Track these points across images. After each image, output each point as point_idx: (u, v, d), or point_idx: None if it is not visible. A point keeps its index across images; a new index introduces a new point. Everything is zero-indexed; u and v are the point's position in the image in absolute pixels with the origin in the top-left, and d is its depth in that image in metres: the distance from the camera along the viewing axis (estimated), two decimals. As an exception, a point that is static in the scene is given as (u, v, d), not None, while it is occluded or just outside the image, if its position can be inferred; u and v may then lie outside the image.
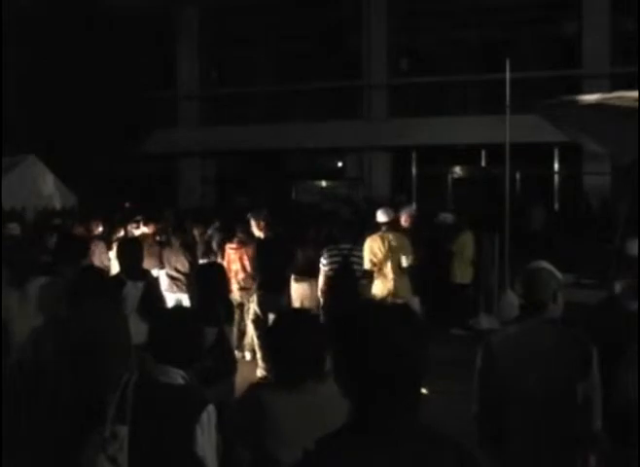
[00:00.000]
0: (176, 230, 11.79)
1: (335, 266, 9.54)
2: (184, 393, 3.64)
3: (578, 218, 15.32)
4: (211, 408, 3.56)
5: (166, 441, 3.54)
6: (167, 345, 3.72)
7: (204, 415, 3.52)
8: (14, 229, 10.84)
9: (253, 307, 9.95)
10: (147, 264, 8.35)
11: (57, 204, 15.88)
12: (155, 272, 10.31)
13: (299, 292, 10.27)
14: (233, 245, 10.52)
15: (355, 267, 9.60)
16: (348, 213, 16.66)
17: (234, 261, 10.35)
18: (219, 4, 21.55)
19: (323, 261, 9.55)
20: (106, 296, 6.17)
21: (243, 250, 10.41)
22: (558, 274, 4.12)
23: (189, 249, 10.99)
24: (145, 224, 12.43)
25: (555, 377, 3.91)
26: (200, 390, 3.82)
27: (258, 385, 3.81)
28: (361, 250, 9.76)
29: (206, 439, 3.52)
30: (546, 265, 4.17)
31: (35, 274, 6.40)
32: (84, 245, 8.77)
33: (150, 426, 3.57)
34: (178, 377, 3.64)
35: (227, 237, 11.04)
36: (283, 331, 3.50)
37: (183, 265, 10.67)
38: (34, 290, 6.26)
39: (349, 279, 9.59)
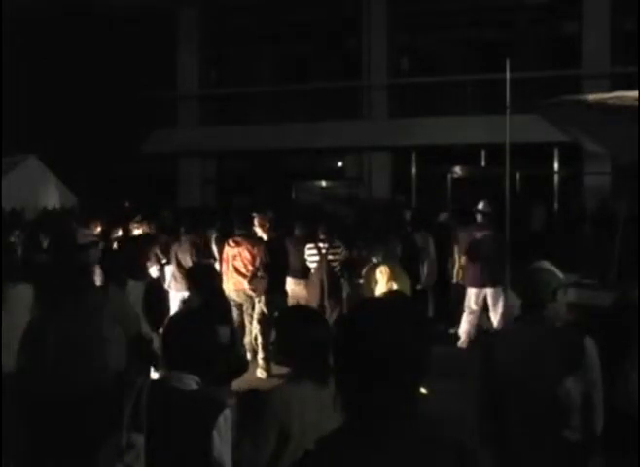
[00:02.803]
0: (188, 229, 11.79)
1: (312, 264, 9.96)
2: (199, 399, 3.61)
3: (577, 218, 15.30)
4: (227, 411, 3.53)
5: (183, 447, 3.51)
6: (182, 351, 3.69)
7: (221, 420, 3.49)
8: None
9: (260, 307, 10.07)
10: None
11: (57, 204, 15.88)
12: (154, 272, 10.36)
13: (294, 292, 10.41)
14: (231, 245, 10.55)
15: (333, 264, 9.98)
16: (347, 213, 16.70)
17: (231, 260, 10.38)
18: (219, 4, 21.54)
19: (305, 257, 10.00)
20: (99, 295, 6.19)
21: (239, 250, 10.43)
22: (559, 274, 4.13)
23: (197, 248, 11.02)
24: (139, 224, 12.47)
25: (555, 377, 3.91)
26: (216, 394, 3.78)
27: (282, 383, 3.76)
28: (339, 247, 10.15)
29: (224, 443, 3.50)
30: (547, 265, 4.19)
31: (12, 280, 6.37)
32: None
33: (166, 434, 3.54)
34: (192, 382, 3.60)
35: (225, 237, 11.07)
36: (298, 327, 3.51)
37: (189, 263, 10.73)
38: (14, 294, 6.25)
39: (330, 277, 9.93)
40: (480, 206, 11.50)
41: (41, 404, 5.37)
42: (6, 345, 6.00)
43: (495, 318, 11.10)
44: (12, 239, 10.20)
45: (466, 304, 11.32)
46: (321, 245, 10.13)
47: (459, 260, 11.63)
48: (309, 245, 10.20)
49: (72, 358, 5.46)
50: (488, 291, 11.12)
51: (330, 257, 10.09)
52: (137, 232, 12.34)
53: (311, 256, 10.17)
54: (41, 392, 5.40)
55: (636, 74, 13.56)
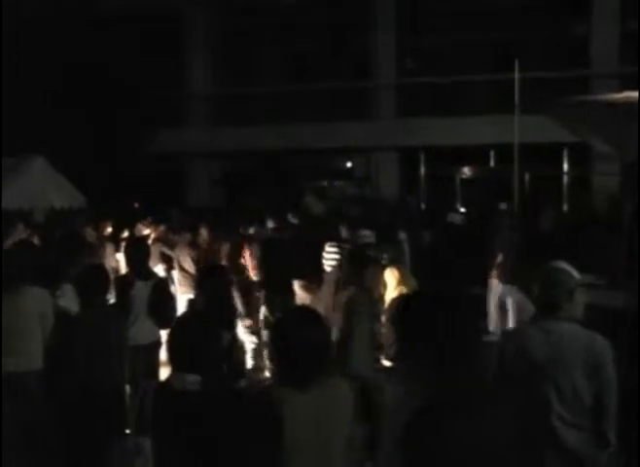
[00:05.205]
0: (184, 229, 11.78)
1: (331, 262, 9.83)
2: (201, 400, 3.60)
3: (586, 219, 15.24)
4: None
5: (187, 449, 3.50)
6: (184, 353, 3.67)
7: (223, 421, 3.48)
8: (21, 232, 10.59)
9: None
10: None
11: (65, 205, 15.87)
12: (160, 272, 10.34)
13: (302, 295, 10.34)
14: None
15: None
16: (358, 213, 16.69)
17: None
18: (228, 4, 21.55)
19: (323, 255, 9.88)
20: (107, 294, 6.17)
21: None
22: (575, 274, 4.11)
23: (197, 249, 10.98)
24: (147, 226, 12.47)
25: (569, 378, 3.89)
26: (218, 396, 3.76)
27: (268, 386, 3.75)
28: None
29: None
30: (562, 265, 4.17)
31: (29, 283, 6.33)
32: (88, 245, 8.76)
33: (169, 435, 3.54)
34: (195, 384, 3.60)
35: (229, 238, 11.08)
36: (288, 330, 3.47)
37: (190, 265, 10.68)
38: (28, 298, 6.22)
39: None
40: (504, 207, 11.53)
41: (65, 400, 5.39)
42: (16, 347, 6.01)
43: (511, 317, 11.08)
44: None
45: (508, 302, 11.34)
46: (345, 245, 10.01)
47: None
48: (331, 243, 10.05)
49: (95, 359, 5.48)
50: (510, 288, 11.13)
51: None
52: (146, 232, 12.35)
53: (331, 254, 9.97)
54: (67, 389, 5.42)
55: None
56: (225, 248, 10.76)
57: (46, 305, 6.32)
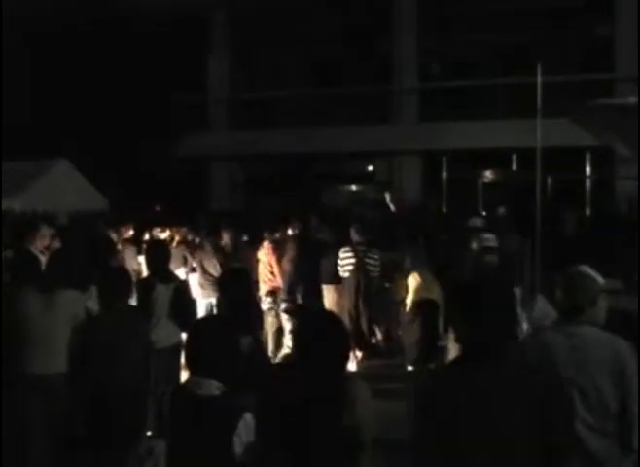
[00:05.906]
0: (209, 233, 11.79)
1: (348, 267, 9.84)
2: (218, 404, 3.57)
3: (609, 222, 15.14)
4: (248, 416, 3.50)
5: (205, 453, 3.50)
6: (201, 357, 3.66)
7: (241, 425, 3.47)
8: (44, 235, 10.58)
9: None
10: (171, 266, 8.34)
11: (88, 208, 15.96)
12: (181, 275, 10.35)
13: (327, 298, 10.32)
14: (263, 250, 10.56)
15: (369, 267, 9.88)
16: (378, 216, 16.65)
17: (260, 265, 10.41)
18: (250, 8, 21.59)
19: (338, 262, 9.87)
20: (129, 297, 6.20)
21: (272, 255, 10.43)
22: (599, 279, 4.08)
23: (222, 253, 10.99)
24: (162, 230, 12.50)
25: (592, 381, 3.86)
26: (236, 399, 3.75)
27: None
28: (377, 253, 10.04)
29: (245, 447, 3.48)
30: (586, 269, 4.14)
31: (66, 285, 6.37)
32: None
33: (188, 439, 3.54)
34: (212, 388, 3.58)
35: (255, 242, 11.09)
36: (308, 333, 3.47)
37: (215, 268, 10.68)
38: (63, 300, 6.26)
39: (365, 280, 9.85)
40: (502, 211, 11.44)
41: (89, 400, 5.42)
42: (47, 347, 6.05)
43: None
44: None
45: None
46: (359, 248, 10.03)
47: None
48: (345, 248, 10.05)
49: (117, 361, 5.51)
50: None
51: (367, 260, 9.99)
52: (163, 236, 12.38)
53: (346, 259, 9.98)
54: (88, 389, 5.45)
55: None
56: (251, 253, 10.79)
57: (78, 308, 6.36)
